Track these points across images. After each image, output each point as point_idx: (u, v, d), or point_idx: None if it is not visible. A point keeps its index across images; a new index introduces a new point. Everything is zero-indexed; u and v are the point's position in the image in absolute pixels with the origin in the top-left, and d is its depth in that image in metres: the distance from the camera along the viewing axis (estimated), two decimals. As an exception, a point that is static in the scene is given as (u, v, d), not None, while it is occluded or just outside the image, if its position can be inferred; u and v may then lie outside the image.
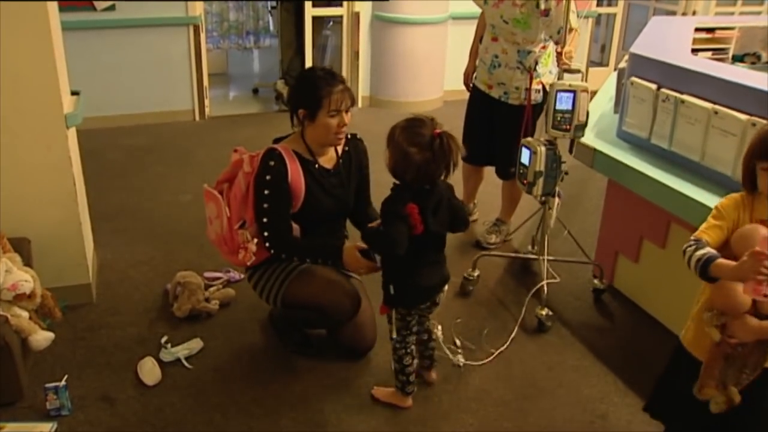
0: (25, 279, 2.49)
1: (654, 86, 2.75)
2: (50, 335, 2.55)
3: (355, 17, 6.27)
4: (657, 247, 3.03)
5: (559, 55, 3.12)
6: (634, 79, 2.86)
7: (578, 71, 2.98)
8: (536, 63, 3.40)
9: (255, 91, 6.94)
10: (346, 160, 2.78)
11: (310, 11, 6.25)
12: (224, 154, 5.06)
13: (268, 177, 2.54)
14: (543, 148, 3.00)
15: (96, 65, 5.46)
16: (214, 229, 2.77)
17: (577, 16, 3.28)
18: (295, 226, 2.69)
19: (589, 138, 3.03)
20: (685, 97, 2.62)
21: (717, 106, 2.49)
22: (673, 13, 7.79)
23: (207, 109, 6.05)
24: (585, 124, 2.94)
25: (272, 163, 2.54)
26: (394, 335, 2.46)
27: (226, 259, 2.84)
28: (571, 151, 3.11)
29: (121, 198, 4.35)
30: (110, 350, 2.86)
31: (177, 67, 5.77)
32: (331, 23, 6.75)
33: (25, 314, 2.51)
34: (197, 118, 5.97)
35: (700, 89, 2.59)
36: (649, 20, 3.98)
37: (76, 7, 5.26)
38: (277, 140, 2.73)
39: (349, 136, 2.78)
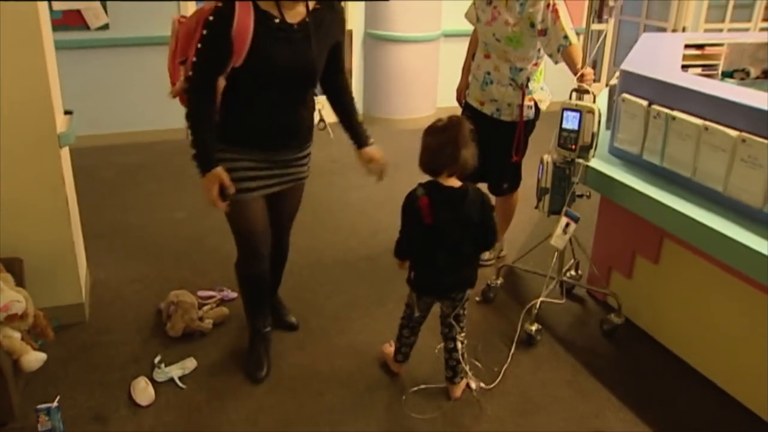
0: (17, 299, 2.48)
1: (645, 103, 2.77)
2: (42, 356, 2.53)
3: (348, 35, 6.31)
4: (650, 262, 3.04)
5: (580, 76, 3.08)
6: (625, 95, 2.88)
7: (588, 92, 2.97)
8: (528, 80, 3.43)
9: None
10: (317, 18, 2.47)
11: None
12: (218, 172, 5.09)
13: (210, 18, 2.32)
14: (551, 166, 3.01)
15: (90, 84, 5.48)
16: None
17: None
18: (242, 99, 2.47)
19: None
20: (675, 113, 2.64)
21: (707, 122, 2.51)
22: (663, 29, 7.87)
23: (200, 127, 6.05)
24: (590, 146, 2.92)
25: (220, 5, 2.32)
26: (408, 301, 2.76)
27: (174, 91, 2.69)
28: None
29: (114, 216, 4.35)
30: (103, 370, 2.84)
31: (169, 86, 5.77)
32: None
33: (17, 335, 2.49)
34: (189, 135, 5.95)
35: (690, 105, 2.61)
36: (640, 36, 4.02)
37: (69, 26, 5.29)
38: None
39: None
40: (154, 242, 4.00)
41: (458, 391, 2.76)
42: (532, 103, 3.46)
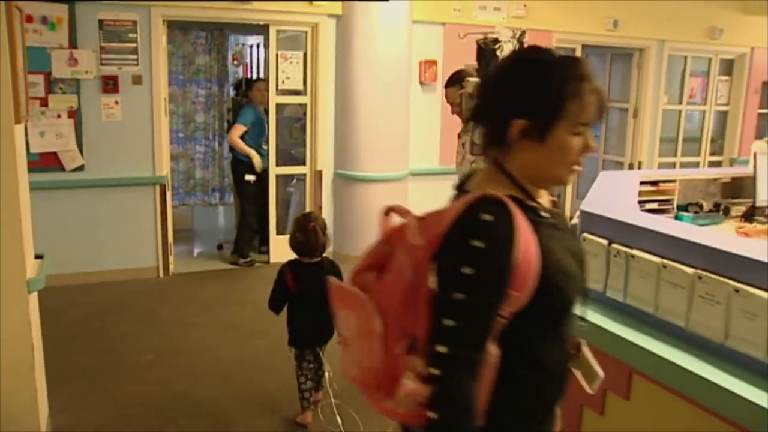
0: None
1: (605, 242, 2.88)
2: None
3: (318, 175, 6.50)
4: (621, 398, 3.04)
5: None
6: (586, 235, 2.99)
7: None
8: None
9: (219, 247, 6.99)
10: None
11: (274, 170, 6.48)
12: (188, 312, 5.07)
13: (478, 243, 1.34)
14: None
15: (62, 223, 5.53)
16: (356, 357, 1.53)
17: None
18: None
19: (547, 292, 3.11)
20: (635, 252, 2.74)
21: (665, 260, 2.60)
22: (621, 164, 8.25)
23: (171, 266, 6.08)
24: None
25: (487, 218, 1.35)
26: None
27: (379, 409, 1.48)
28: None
29: (81, 359, 4.25)
30: None
31: (143, 225, 5.85)
32: (295, 181, 6.98)
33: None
34: (161, 274, 5.97)
35: (648, 244, 2.71)
36: (599, 170, 4.21)
37: (45, 168, 5.39)
38: (464, 181, 1.60)
39: None
40: (121, 386, 3.90)
41: (320, 395, 3.64)
42: None
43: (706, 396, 2.35)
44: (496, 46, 3.08)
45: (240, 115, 6.36)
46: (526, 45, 3.24)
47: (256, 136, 6.32)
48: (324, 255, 3.55)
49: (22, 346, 2.88)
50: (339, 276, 3.46)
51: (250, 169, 6.26)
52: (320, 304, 3.21)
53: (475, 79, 3.24)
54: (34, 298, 3.04)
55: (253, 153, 6.20)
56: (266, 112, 6.45)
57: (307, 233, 3.43)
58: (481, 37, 3.17)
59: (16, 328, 2.86)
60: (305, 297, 3.43)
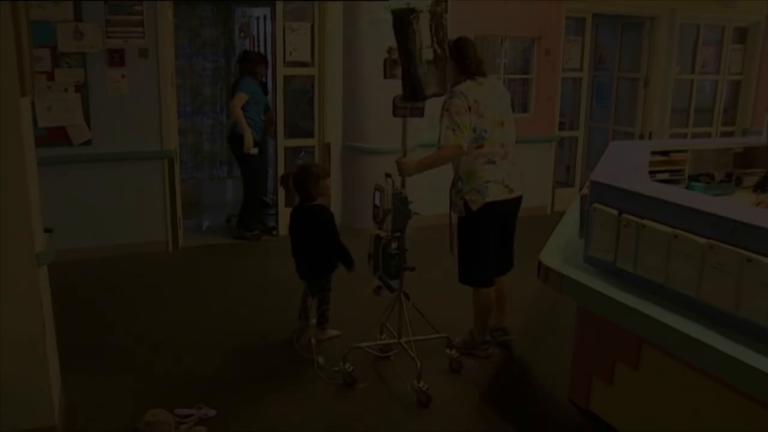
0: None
1: (615, 212, 2.85)
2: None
3: (326, 147, 6.47)
4: (630, 369, 3.04)
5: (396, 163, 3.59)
6: (596, 205, 2.96)
7: (389, 177, 3.52)
8: (460, 179, 3.67)
9: (228, 220, 6.99)
10: None
11: (282, 142, 6.45)
12: (196, 286, 5.08)
13: None
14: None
15: (71, 198, 5.54)
16: None
17: (464, 131, 3.55)
18: None
19: (556, 263, 3.09)
20: (645, 222, 2.71)
21: (676, 230, 2.57)
22: (631, 135, 8.17)
23: (180, 240, 6.08)
24: (383, 219, 3.52)
25: None
26: None
27: None
28: (539, 275, 3.15)
29: (91, 334, 4.27)
30: (74, 498, 2.73)
31: (151, 199, 5.85)
32: (303, 153, 6.96)
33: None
34: (170, 248, 5.98)
35: (659, 214, 2.68)
36: (609, 142, 4.17)
37: (53, 142, 5.38)
38: None
39: None
40: (130, 362, 3.91)
41: (325, 335, 4.07)
42: (461, 202, 3.62)
43: (715, 365, 2.33)
44: (412, 16, 3.07)
45: (240, 84, 6.23)
46: (446, 14, 3.22)
47: (257, 106, 6.25)
48: (318, 202, 3.98)
49: (32, 320, 2.89)
50: (330, 221, 3.95)
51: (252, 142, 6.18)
52: (306, 243, 3.95)
53: (393, 47, 3.29)
54: (43, 272, 3.04)
55: (247, 131, 6.08)
56: (261, 84, 6.45)
57: (298, 179, 3.92)
58: (397, 7, 3.18)
59: (26, 302, 2.86)
60: (295, 235, 3.98)
